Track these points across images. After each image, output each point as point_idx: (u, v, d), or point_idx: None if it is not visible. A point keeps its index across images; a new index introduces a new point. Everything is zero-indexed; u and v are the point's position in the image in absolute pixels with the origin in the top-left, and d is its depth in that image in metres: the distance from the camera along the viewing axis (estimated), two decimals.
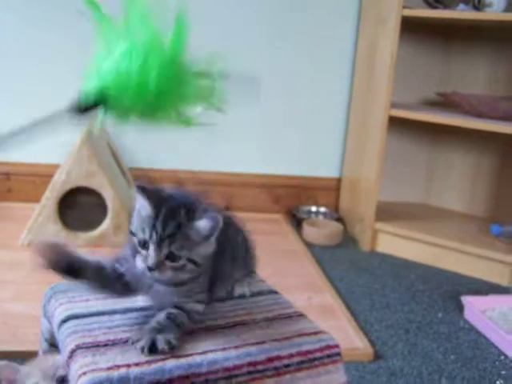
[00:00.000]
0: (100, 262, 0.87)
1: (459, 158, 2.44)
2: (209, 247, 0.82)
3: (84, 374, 0.71)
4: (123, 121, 0.84)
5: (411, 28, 2.15)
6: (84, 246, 1.93)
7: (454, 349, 1.54)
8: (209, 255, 0.82)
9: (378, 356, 1.46)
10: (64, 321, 0.83)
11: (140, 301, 0.88)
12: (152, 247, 0.78)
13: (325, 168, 2.54)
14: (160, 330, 0.78)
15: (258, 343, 0.80)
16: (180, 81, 0.88)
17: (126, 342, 0.78)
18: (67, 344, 0.78)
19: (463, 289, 1.92)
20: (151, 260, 0.78)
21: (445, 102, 2.29)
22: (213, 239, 0.81)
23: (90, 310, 0.86)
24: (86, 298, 0.90)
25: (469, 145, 2.40)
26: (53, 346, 0.94)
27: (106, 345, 0.77)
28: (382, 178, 2.14)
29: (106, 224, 1.94)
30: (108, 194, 1.91)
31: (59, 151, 2.17)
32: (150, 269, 0.78)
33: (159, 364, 0.74)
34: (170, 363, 0.74)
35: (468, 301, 1.72)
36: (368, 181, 2.19)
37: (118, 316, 0.85)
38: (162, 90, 0.88)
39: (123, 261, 0.86)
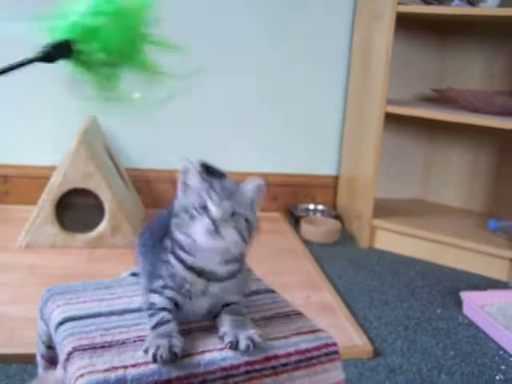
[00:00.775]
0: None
1: (456, 153, 2.44)
2: (255, 216, 0.84)
3: (81, 376, 0.71)
4: (88, 72, 0.87)
5: (406, 24, 2.14)
6: (81, 247, 1.93)
7: (453, 344, 1.54)
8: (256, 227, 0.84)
9: (377, 353, 1.46)
10: (61, 323, 0.83)
11: (136, 302, 0.88)
12: (212, 203, 0.80)
13: (322, 166, 2.54)
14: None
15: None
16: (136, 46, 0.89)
17: (123, 343, 0.78)
18: (64, 346, 0.78)
19: (462, 284, 1.92)
20: (215, 214, 0.79)
21: (440, 98, 2.29)
22: (257, 206, 0.85)
23: (87, 312, 0.85)
24: (83, 300, 0.89)
25: (465, 140, 2.40)
26: (50, 348, 0.94)
27: (103, 346, 0.77)
28: (378, 175, 2.14)
29: (103, 225, 1.94)
30: (105, 196, 1.91)
31: (56, 153, 2.18)
32: (215, 225, 0.78)
33: (156, 365, 0.74)
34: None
35: (467, 296, 1.72)
36: (365, 178, 2.19)
37: (115, 317, 0.84)
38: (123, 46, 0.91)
39: (163, 283, 0.85)
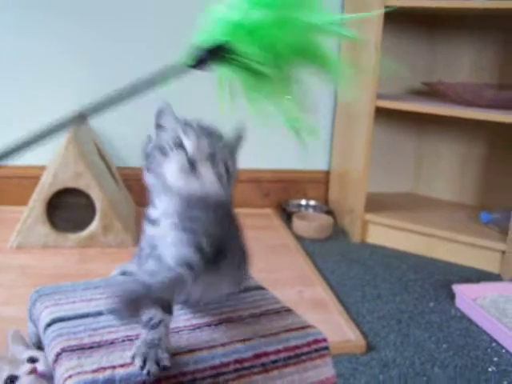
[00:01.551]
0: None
1: (447, 146, 2.44)
2: (235, 165, 0.80)
3: (69, 377, 0.71)
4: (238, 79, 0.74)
5: (395, 18, 2.13)
6: (73, 246, 1.93)
7: (446, 337, 1.54)
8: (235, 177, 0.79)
9: (370, 347, 1.46)
10: (49, 324, 0.82)
11: None
12: (189, 140, 0.73)
13: (313, 161, 2.54)
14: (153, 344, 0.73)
15: (244, 340, 0.79)
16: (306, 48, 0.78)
17: (111, 343, 0.77)
18: (52, 347, 0.77)
19: (454, 277, 1.92)
20: (191, 148, 0.73)
21: (431, 92, 2.29)
22: (237, 155, 0.81)
23: (76, 313, 0.85)
24: (71, 300, 0.89)
25: (456, 133, 2.40)
26: (40, 349, 0.94)
27: (91, 347, 0.77)
28: (370, 169, 2.14)
29: (94, 225, 1.93)
30: (96, 195, 1.90)
31: (46, 153, 2.17)
32: (190, 162, 0.72)
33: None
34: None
35: (459, 289, 1.72)
36: (356, 172, 2.19)
37: (103, 317, 0.84)
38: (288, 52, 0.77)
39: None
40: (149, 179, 0.76)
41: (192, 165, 0.72)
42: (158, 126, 0.79)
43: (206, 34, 0.71)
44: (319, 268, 1.92)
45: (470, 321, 1.64)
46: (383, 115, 2.18)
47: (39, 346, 0.94)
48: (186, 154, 0.72)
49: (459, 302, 1.72)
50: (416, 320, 1.63)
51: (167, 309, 0.76)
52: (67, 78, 2.26)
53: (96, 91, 2.25)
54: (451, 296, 1.75)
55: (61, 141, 1.94)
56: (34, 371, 0.80)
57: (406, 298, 1.76)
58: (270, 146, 2.48)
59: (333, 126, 2.49)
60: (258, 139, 2.46)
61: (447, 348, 1.49)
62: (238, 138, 0.81)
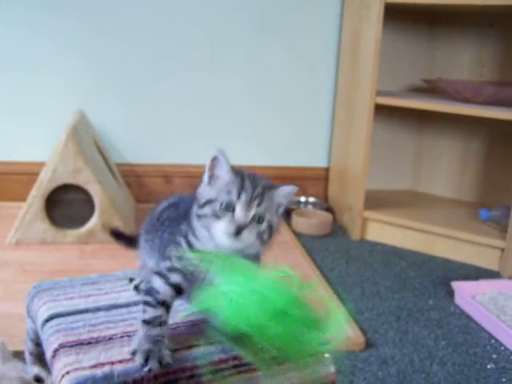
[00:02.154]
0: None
1: (446, 144, 2.44)
2: (278, 219, 0.83)
3: (67, 373, 0.70)
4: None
5: (395, 15, 2.14)
6: (72, 243, 1.92)
7: (445, 334, 1.54)
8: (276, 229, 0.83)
9: (369, 344, 1.46)
10: (47, 320, 0.82)
11: (123, 297, 0.88)
12: (240, 207, 0.77)
13: (312, 158, 2.53)
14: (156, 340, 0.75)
15: None
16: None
17: (110, 339, 0.77)
18: (51, 343, 0.77)
19: (453, 274, 1.92)
20: (241, 219, 0.77)
21: (431, 89, 2.29)
22: (282, 209, 0.84)
23: (74, 308, 0.85)
24: (70, 296, 0.89)
25: (456, 130, 2.40)
26: (38, 345, 0.93)
27: (89, 343, 0.76)
28: (369, 167, 2.14)
29: (93, 221, 1.93)
30: (95, 191, 1.90)
31: (45, 149, 2.17)
32: (237, 230, 0.77)
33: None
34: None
35: (458, 286, 1.72)
36: (356, 169, 2.18)
37: (102, 313, 0.84)
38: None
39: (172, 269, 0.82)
40: (198, 227, 0.81)
41: (239, 231, 0.77)
42: (212, 174, 0.83)
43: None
44: (318, 265, 1.92)
45: (469, 318, 1.64)
46: (383, 112, 2.17)
47: (37, 343, 0.94)
48: (235, 220, 0.77)
49: (458, 299, 1.72)
50: (415, 317, 1.63)
51: (168, 308, 0.79)
52: (65, 73, 2.26)
53: (93, 86, 2.27)
54: (450, 293, 1.75)
55: (60, 137, 1.94)
56: None
57: (405, 295, 1.76)
58: (270, 142, 2.48)
59: (332, 123, 2.49)
60: (257, 136, 2.48)
61: (446, 345, 1.49)
62: (288, 197, 0.84)
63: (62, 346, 0.75)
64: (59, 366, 0.72)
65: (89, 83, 2.28)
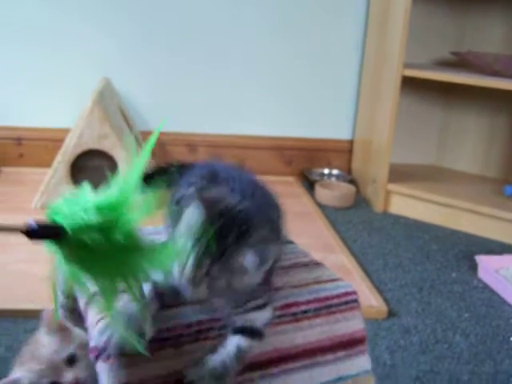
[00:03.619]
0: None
1: (473, 118, 2.41)
2: (254, 278, 0.72)
3: (103, 318, 0.71)
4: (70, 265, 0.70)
5: None
6: None
7: (468, 307, 1.54)
8: (253, 285, 0.72)
9: (391, 314, 1.47)
10: None
11: None
12: (191, 261, 0.68)
13: (337, 130, 2.52)
14: (220, 376, 0.69)
15: (275, 290, 0.79)
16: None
17: None
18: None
19: (477, 249, 1.91)
20: (187, 274, 0.68)
21: (460, 63, 2.25)
22: (260, 272, 0.72)
23: None
24: None
25: (483, 105, 2.37)
26: (68, 298, 0.94)
27: (124, 291, 0.77)
28: (394, 140, 2.12)
29: None
30: (120, 157, 1.91)
31: (70, 115, 2.18)
32: (186, 282, 0.69)
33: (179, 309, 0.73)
34: (190, 308, 0.74)
35: (482, 260, 1.71)
36: (380, 142, 2.17)
37: None
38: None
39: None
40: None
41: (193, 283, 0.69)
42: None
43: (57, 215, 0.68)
44: (341, 236, 1.92)
45: (492, 291, 1.63)
46: (409, 85, 2.15)
47: (68, 295, 0.95)
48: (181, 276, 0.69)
49: (482, 273, 1.71)
50: (438, 289, 1.62)
51: None
52: (90, 41, 2.26)
53: (118, 54, 2.27)
54: (473, 267, 1.74)
55: (85, 105, 1.94)
56: (76, 382, 0.78)
57: (428, 268, 1.75)
58: (294, 114, 2.47)
59: (358, 94, 2.47)
60: (282, 107, 2.46)
61: (469, 317, 1.49)
62: (260, 264, 0.70)
63: (97, 292, 0.76)
64: (93, 313, 0.73)
65: (114, 51, 2.28)
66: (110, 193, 0.69)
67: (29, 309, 1.33)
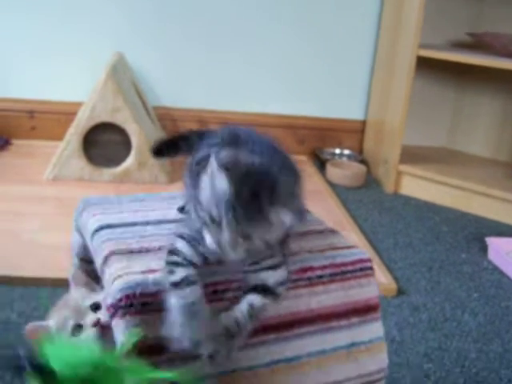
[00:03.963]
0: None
1: (487, 101, 2.39)
2: (278, 233, 0.71)
3: (119, 276, 0.72)
4: None
5: None
6: (108, 181, 1.94)
7: (477, 287, 1.54)
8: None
9: (401, 292, 1.47)
10: (97, 230, 0.83)
11: (171, 214, 0.88)
12: (227, 227, 0.67)
13: (350, 110, 2.51)
14: (233, 333, 0.69)
15: (291, 254, 0.79)
16: None
17: (159, 249, 0.78)
18: (101, 250, 0.78)
19: (487, 231, 1.91)
20: (225, 239, 0.67)
21: (475, 44, 2.23)
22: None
23: (123, 221, 0.86)
24: (118, 210, 0.90)
25: (497, 88, 2.35)
26: (83, 261, 0.95)
27: (140, 251, 0.77)
28: (406, 121, 2.11)
29: (129, 160, 1.94)
30: (132, 130, 1.91)
31: (83, 89, 2.18)
32: (225, 247, 0.68)
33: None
34: (205, 269, 0.74)
35: (492, 242, 1.71)
36: (393, 123, 2.16)
37: (150, 227, 0.84)
38: None
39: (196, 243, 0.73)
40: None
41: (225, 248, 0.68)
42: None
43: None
44: (352, 215, 1.92)
45: (501, 273, 1.63)
46: (423, 66, 2.13)
47: (82, 258, 0.95)
48: (221, 240, 0.68)
49: (492, 255, 1.71)
50: (447, 269, 1.63)
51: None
52: (104, 15, 2.25)
53: (131, 28, 2.26)
54: (484, 249, 1.74)
55: (98, 79, 1.94)
56: (97, 323, 0.80)
57: (438, 248, 1.75)
58: (307, 93, 2.46)
59: (371, 74, 2.45)
60: (295, 85, 2.45)
61: (478, 297, 1.49)
62: (295, 223, 0.70)
63: (113, 253, 0.77)
64: (111, 270, 0.74)
65: (127, 26, 2.27)
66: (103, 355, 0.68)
67: (40, 277, 1.34)
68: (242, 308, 0.71)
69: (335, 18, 2.38)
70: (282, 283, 0.73)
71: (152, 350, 0.69)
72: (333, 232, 0.89)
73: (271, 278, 0.73)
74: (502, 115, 2.37)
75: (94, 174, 1.94)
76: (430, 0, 2.00)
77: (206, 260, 0.72)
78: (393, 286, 1.47)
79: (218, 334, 0.69)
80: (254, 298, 0.72)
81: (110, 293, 0.71)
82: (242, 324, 0.70)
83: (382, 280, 1.48)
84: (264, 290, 0.72)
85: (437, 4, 2.25)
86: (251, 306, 0.71)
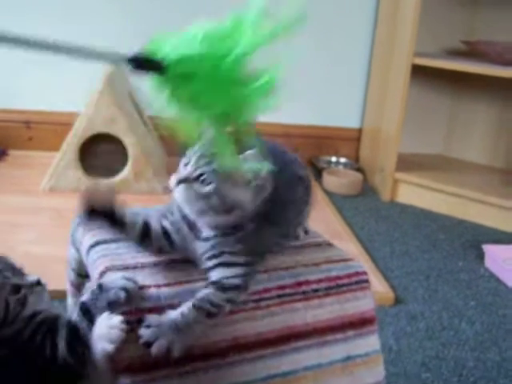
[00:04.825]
0: (147, 216, 0.82)
1: (482, 109, 2.39)
2: (245, 195, 0.74)
3: None
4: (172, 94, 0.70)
5: None
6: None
7: (474, 295, 1.54)
8: (241, 206, 0.74)
9: (398, 300, 1.47)
10: (92, 245, 0.83)
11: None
12: (192, 161, 0.75)
13: (346, 118, 2.51)
14: (180, 328, 0.70)
15: (287, 268, 0.80)
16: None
17: (155, 265, 0.78)
18: (97, 266, 0.78)
19: (484, 238, 1.91)
20: (184, 171, 0.75)
21: (470, 52, 2.24)
22: (253, 188, 0.75)
23: (119, 237, 0.85)
24: None
25: (492, 96, 2.35)
26: (79, 275, 0.95)
27: (135, 267, 0.78)
28: (403, 128, 2.11)
29: (126, 170, 1.94)
30: (129, 141, 1.91)
31: (79, 99, 2.17)
32: (177, 182, 0.75)
33: (190, 285, 0.74)
34: (201, 284, 0.74)
35: (489, 249, 1.71)
36: (389, 131, 2.17)
37: None
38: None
39: (169, 214, 0.81)
40: None
41: (178, 183, 0.76)
42: None
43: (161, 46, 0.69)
44: (348, 223, 1.92)
45: (498, 281, 1.63)
46: (418, 74, 2.14)
47: (78, 273, 0.95)
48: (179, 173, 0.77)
49: (489, 262, 1.71)
50: (444, 277, 1.63)
51: None
52: (101, 24, 2.26)
53: (129, 37, 2.26)
54: (480, 256, 1.74)
55: (95, 87, 1.94)
56: None
57: (435, 256, 1.76)
58: (303, 101, 2.46)
59: (367, 83, 2.46)
60: (290, 93, 2.45)
61: (475, 305, 1.49)
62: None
63: (108, 268, 0.77)
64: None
65: (126, 35, 2.27)
66: (222, 24, 0.70)
67: None
68: (189, 302, 0.72)
69: (331, 26, 2.38)
70: (233, 283, 0.74)
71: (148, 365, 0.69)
72: (330, 245, 0.90)
73: (221, 273, 0.74)
74: (497, 122, 2.37)
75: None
76: (424, 8, 2.00)
77: (171, 245, 0.78)
78: (390, 294, 1.47)
79: (165, 326, 0.69)
80: (203, 292, 0.73)
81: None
82: (189, 317, 0.70)
83: (379, 289, 1.48)
84: (216, 285, 0.74)
85: (432, 12, 2.25)
86: (199, 300, 0.72)
